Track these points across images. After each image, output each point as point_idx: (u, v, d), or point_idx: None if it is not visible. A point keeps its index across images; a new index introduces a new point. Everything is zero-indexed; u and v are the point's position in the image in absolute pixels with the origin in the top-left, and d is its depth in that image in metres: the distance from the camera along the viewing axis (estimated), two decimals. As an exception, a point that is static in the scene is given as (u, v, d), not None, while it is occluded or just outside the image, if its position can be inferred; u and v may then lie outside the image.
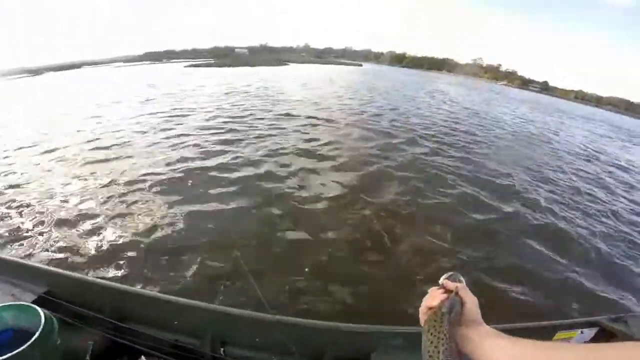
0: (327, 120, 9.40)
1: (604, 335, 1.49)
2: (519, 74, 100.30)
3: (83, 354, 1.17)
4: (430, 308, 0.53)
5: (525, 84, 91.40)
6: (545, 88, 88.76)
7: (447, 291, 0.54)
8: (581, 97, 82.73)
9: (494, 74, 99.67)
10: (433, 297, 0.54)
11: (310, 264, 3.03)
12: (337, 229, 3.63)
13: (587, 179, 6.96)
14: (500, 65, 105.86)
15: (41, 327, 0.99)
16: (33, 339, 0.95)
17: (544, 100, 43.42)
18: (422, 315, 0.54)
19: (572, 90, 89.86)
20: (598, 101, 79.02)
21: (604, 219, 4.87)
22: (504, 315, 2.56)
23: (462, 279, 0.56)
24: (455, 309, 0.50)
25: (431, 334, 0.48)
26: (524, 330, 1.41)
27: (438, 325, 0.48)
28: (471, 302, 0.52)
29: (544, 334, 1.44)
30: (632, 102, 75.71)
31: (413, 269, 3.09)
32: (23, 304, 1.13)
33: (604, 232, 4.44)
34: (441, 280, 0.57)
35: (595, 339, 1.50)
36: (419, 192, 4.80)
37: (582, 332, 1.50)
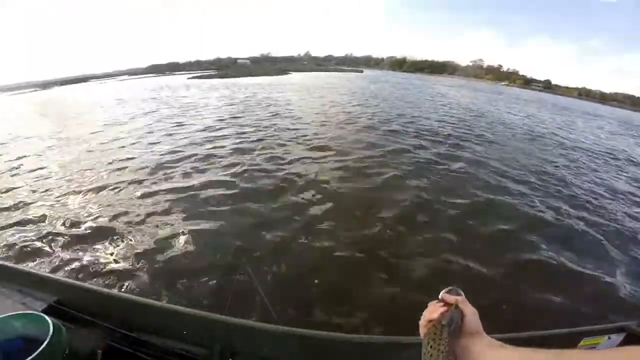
0: (333, 129, 9.40)
1: (633, 340, 1.42)
2: (521, 73, 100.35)
3: None
4: (430, 321, 0.53)
5: (528, 83, 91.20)
6: (547, 86, 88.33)
7: (447, 304, 0.55)
8: (585, 94, 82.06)
9: (496, 74, 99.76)
10: (432, 311, 0.55)
11: (321, 276, 2.97)
12: (349, 240, 3.56)
13: (612, 179, 6.77)
14: (501, 66, 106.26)
15: (49, 336, 0.99)
16: (41, 347, 0.94)
17: (548, 98, 43.04)
18: (422, 329, 0.54)
19: (576, 88, 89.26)
20: (602, 97, 78.27)
21: (632, 220, 4.68)
22: (528, 324, 2.50)
23: (461, 292, 0.57)
24: (455, 322, 0.51)
25: (430, 346, 0.48)
26: (548, 337, 1.35)
27: (437, 338, 0.48)
28: (471, 314, 0.52)
29: (569, 341, 1.39)
30: (639, 97, 74.77)
31: (426, 279, 3.00)
32: (32, 313, 1.12)
33: (632, 233, 4.25)
34: (441, 295, 0.57)
35: (623, 345, 1.43)
36: (431, 200, 4.67)
37: (609, 338, 1.44)
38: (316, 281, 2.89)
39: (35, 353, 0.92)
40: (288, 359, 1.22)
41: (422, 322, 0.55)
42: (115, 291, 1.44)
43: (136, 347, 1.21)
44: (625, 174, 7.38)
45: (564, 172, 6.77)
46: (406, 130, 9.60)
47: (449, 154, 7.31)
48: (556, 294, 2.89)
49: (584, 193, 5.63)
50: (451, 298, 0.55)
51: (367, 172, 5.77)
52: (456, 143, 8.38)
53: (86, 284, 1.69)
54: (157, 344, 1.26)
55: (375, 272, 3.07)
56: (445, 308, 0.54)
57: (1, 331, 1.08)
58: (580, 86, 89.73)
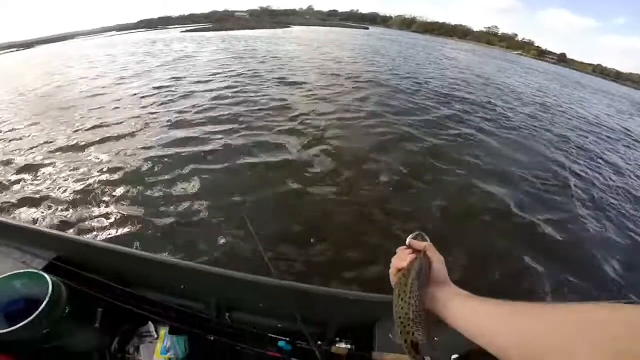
0: (337, 86, 8.93)
1: None
2: (536, 44, 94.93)
3: (92, 321, 1.19)
4: (399, 269, 0.53)
5: (541, 54, 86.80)
6: (562, 60, 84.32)
7: (415, 251, 0.54)
8: (600, 71, 78.76)
9: (510, 42, 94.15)
10: (402, 258, 0.54)
11: (318, 230, 3.03)
12: (349, 198, 3.58)
13: (619, 159, 6.62)
14: (516, 34, 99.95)
15: (48, 295, 0.98)
16: (40, 308, 0.94)
17: (561, 72, 41.00)
18: (392, 277, 0.54)
19: (591, 64, 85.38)
20: (617, 76, 75.34)
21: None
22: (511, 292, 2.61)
23: (426, 237, 0.56)
24: (423, 270, 0.50)
25: (401, 299, 0.48)
26: None
27: (408, 291, 0.48)
28: (438, 262, 0.52)
29: None
30: (654, 79, 72.13)
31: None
32: (32, 272, 1.11)
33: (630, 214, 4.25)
34: (408, 241, 0.56)
35: None
36: (432, 164, 4.59)
37: None
38: (312, 239, 2.94)
39: (34, 315, 0.91)
40: (284, 313, 1.23)
41: (392, 270, 0.55)
42: (113, 245, 1.43)
43: (135, 303, 1.22)
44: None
45: (574, 148, 6.59)
46: (414, 92, 9.17)
47: (458, 119, 7.02)
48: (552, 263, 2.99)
49: (595, 175, 5.40)
50: (419, 244, 0.54)
51: (372, 131, 5.59)
52: (465, 109, 8.04)
53: (84, 238, 1.69)
54: (155, 300, 1.28)
55: (368, 229, 3.12)
56: (413, 255, 0.53)
57: (3, 292, 1.06)
58: (595, 63, 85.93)
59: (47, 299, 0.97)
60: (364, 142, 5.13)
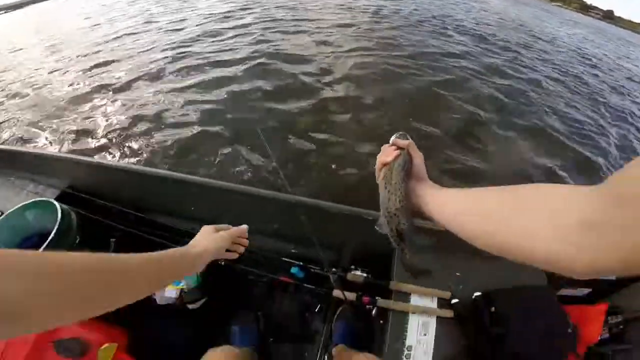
0: (360, 23, 7.91)
1: None
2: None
3: (105, 251, 1.17)
4: (384, 164, 0.55)
5: (585, 8, 77.19)
6: (608, 16, 74.92)
7: (399, 148, 0.57)
8: (650, 31, 69.93)
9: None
10: (387, 154, 0.56)
11: (342, 160, 2.88)
12: (367, 137, 3.34)
13: None
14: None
15: (57, 224, 0.92)
16: (49, 239, 0.88)
17: (608, 29, 35.83)
18: (378, 172, 0.58)
19: (641, 23, 75.55)
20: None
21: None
22: None
23: (409, 137, 0.59)
24: (406, 165, 0.53)
25: (388, 190, 0.51)
26: None
27: (394, 181, 0.51)
28: (419, 159, 0.55)
29: None
30: None
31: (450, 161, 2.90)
32: (41, 200, 1.06)
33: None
34: (392, 139, 0.59)
35: None
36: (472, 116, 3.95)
37: None
38: (333, 166, 2.78)
39: (43, 245, 0.86)
40: (299, 234, 1.17)
41: (378, 165, 0.57)
42: (124, 164, 1.36)
43: (148, 229, 1.18)
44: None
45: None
46: (447, 34, 8.09)
47: (502, 66, 6.18)
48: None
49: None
50: (403, 142, 0.56)
51: (399, 72, 5.08)
52: (510, 57, 7.07)
53: (97, 160, 1.64)
54: (167, 224, 1.25)
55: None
56: (397, 152, 0.55)
57: (18, 227, 1.02)
58: (647, 21, 75.85)
59: (55, 227, 0.92)
60: (389, 83, 4.60)
